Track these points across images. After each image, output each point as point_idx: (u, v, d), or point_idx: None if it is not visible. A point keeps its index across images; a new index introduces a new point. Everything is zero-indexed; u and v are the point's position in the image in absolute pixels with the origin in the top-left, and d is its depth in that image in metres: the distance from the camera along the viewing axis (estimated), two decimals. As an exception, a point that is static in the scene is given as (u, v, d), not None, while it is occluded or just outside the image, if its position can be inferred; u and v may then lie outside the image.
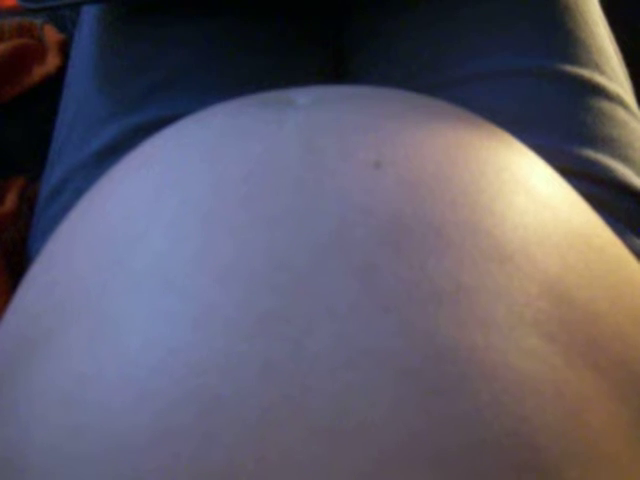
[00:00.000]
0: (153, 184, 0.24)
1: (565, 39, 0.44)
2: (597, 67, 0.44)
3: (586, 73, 0.43)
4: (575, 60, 0.44)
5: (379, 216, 0.21)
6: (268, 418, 0.17)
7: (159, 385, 0.18)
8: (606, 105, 0.43)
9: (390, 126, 0.25)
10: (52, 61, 0.53)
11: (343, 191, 0.22)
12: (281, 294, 0.19)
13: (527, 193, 0.24)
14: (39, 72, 0.53)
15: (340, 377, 0.17)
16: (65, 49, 0.55)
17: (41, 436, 0.18)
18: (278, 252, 0.20)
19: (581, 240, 0.23)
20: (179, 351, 0.18)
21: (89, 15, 0.51)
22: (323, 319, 0.18)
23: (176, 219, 0.22)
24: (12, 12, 0.56)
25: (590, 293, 0.22)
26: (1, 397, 0.21)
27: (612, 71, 0.45)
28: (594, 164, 0.40)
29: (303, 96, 0.28)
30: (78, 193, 0.43)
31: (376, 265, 0.20)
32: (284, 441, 0.16)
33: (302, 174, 0.22)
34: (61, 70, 0.53)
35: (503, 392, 0.18)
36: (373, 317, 0.18)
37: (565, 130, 0.41)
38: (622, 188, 0.40)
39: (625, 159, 0.41)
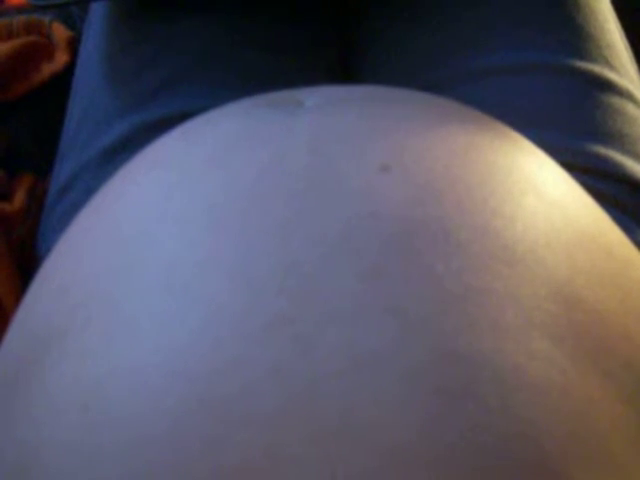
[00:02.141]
0: (162, 187, 0.24)
1: (575, 34, 0.44)
2: (607, 63, 0.44)
3: (596, 69, 0.43)
4: (585, 56, 0.43)
5: (387, 219, 0.21)
6: (277, 418, 0.17)
7: (170, 386, 0.18)
8: (616, 101, 0.42)
9: (398, 128, 0.25)
10: (60, 58, 0.54)
11: (351, 194, 0.22)
12: (289, 297, 0.19)
13: (536, 194, 0.23)
14: (47, 69, 0.53)
15: (348, 378, 0.17)
16: (74, 46, 0.55)
17: (56, 436, 0.19)
18: (286, 255, 0.20)
19: (590, 240, 0.23)
20: (189, 353, 0.18)
21: (97, 12, 0.51)
22: (331, 321, 0.19)
23: (185, 222, 0.22)
24: (21, 9, 0.57)
25: (598, 294, 0.21)
26: (14, 398, 0.21)
27: (622, 67, 0.44)
28: (604, 160, 0.40)
29: (311, 97, 0.28)
30: (87, 190, 0.43)
31: (384, 268, 0.20)
32: (293, 441, 0.16)
33: (310, 178, 0.22)
34: (70, 67, 0.53)
35: (511, 394, 0.18)
36: (381, 320, 0.18)
37: (575, 126, 0.41)
38: (633, 184, 0.40)
39: (635, 155, 0.41)
